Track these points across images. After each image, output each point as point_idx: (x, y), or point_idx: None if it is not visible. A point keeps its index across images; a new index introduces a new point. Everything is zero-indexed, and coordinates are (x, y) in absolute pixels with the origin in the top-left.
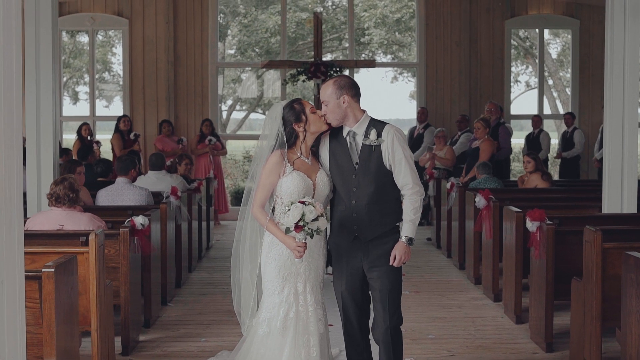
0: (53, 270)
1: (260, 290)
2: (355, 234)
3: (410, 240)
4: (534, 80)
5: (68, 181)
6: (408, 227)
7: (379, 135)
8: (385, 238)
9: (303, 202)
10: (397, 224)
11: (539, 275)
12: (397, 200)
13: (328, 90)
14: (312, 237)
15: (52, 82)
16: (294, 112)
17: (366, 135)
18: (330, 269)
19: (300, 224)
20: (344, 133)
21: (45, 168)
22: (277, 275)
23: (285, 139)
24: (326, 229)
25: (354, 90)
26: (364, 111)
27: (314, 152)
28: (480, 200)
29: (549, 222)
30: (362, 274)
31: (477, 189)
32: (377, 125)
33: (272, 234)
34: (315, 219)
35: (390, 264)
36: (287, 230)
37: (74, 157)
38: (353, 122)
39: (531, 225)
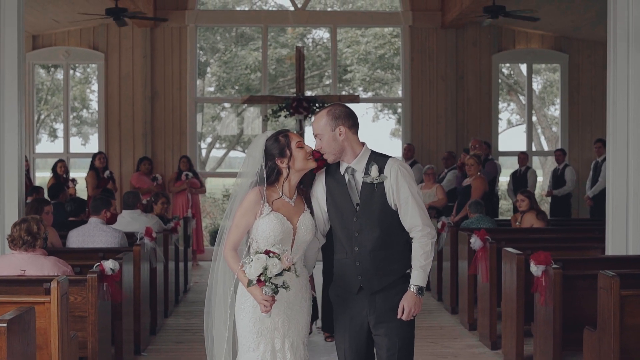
0: (5, 325)
1: (236, 341)
2: (360, 284)
3: (420, 290)
4: (515, 118)
5: (27, 223)
6: (418, 274)
7: (381, 171)
8: (395, 289)
9: (268, 253)
10: (408, 271)
11: (545, 323)
12: (406, 244)
13: (322, 122)
14: (275, 293)
15: (17, 117)
16: (277, 145)
17: (367, 171)
18: (318, 322)
19: (262, 278)
20: (342, 170)
21: (10, 208)
22: (252, 329)
23: (265, 175)
24: (312, 276)
25: (352, 121)
26: (363, 144)
27: (303, 191)
28: (475, 241)
29: (554, 265)
30: (367, 330)
31: (471, 229)
32: (379, 159)
33: (241, 282)
34: (280, 274)
35: (399, 317)
36: (250, 283)
37: (45, 195)
38: (351, 157)
39: (536, 269)
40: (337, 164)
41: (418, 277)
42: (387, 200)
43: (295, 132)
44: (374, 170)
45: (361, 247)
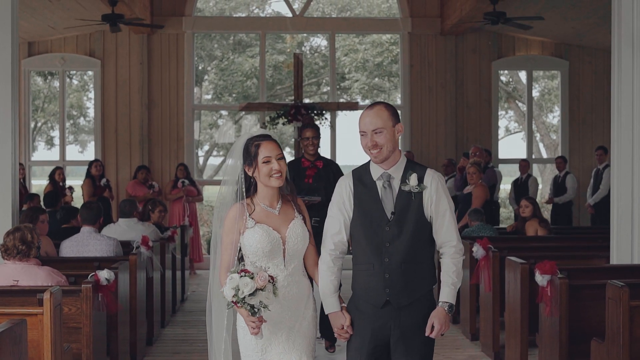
0: None
1: (235, 354)
2: (387, 298)
3: (451, 308)
4: (513, 125)
5: (20, 232)
6: (450, 291)
7: (420, 180)
8: (421, 304)
9: (242, 272)
10: (433, 287)
11: (551, 334)
12: (431, 258)
13: (384, 115)
14: (252, 314)
15: (11, 125)
16: (248, 150)
17: (404, 179)
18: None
19: (234, 299)
20: (374, 175)
21: (3, 217)
22: (255, 347)
23: (243, 182)
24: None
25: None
26: (400, 150)
27: (290, 197)
28: (478, 250)
29: (560, 275)
30: (388, 347)
31: (473, 237)
32: (417, 168)
33: None
34: (253, 293)
35: (427, 334)
36: (228, 305)
37: (41, 203)
38: (391, 162)
39: (541, 279)
40: (366, 169)
41: (449, 294)
42: (424, 211)
43: (293, 139)
44: (414, 178)
45: (392, 259)
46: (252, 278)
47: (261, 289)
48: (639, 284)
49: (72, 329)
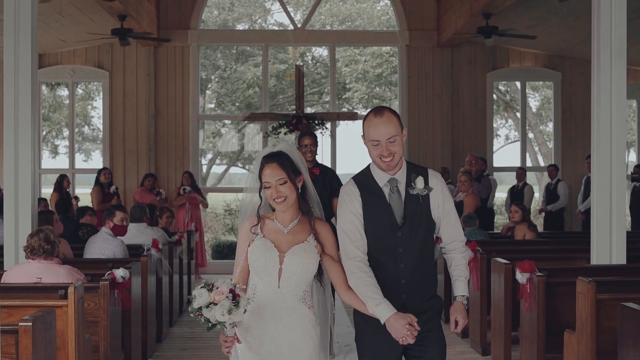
0: (30, 324)
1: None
2: (403, 302)
3: (467, 300)
4: (513, 134)
5: (44, 232)
6: (464, 285)
7: (426, 182)
8: (430, 306)
9: (210, 285)
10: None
11: (530, 328)
12: (433, 258)
13: (395, 121)
14: (207, 329)
15: (30, 134)
16: (257, 165)
17: (409, 183)
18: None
19: (189, 308)
20: (379, 181)
21: (24, 220)
22: None
23: (260, 195)
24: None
25: None
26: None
27: (308, 219)
28: (466, 252)
29: (539, 273)
30: (401, 355)
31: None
32: (419, 170)
33: None
34: (208, 307)
35: (452, 330)
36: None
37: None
38: (397, 168)
39: (521, 277)
40: (368, 175)
41: (464, 287)
42: (432, 213)
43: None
44: (420, 181)
45: (406, 264)
46: (210, 290)
47: (214, 304)
48: (608, 281)
49: (91, 322)
